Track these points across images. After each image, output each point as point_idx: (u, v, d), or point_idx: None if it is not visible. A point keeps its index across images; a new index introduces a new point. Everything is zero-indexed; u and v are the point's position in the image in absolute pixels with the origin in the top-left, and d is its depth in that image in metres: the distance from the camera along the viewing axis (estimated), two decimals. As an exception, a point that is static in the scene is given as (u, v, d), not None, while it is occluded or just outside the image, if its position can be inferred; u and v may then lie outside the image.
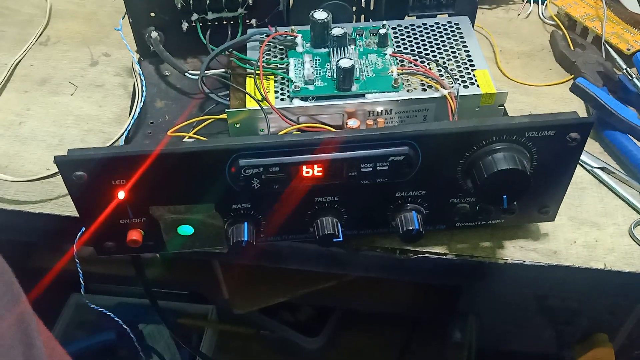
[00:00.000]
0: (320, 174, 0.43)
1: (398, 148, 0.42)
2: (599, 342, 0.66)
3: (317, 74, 0.53)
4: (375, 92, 0.52)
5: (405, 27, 0.59)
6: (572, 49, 0.67)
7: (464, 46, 0.57)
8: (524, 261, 0.50)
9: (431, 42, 0.57)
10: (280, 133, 0.50)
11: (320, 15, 0.54)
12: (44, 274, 0.48)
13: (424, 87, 0.53)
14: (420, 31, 0.58)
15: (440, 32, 0.58)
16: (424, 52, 0.56)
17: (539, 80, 0.66)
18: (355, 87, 0.52)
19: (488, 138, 0.42)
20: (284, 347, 0.94)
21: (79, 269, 0.50)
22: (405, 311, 0.89)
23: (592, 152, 0.58)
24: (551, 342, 0.73)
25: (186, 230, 0.46)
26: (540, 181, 0.46)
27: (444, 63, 0.55)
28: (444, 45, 0.57)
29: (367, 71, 0.54)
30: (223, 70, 0.57)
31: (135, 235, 0.45)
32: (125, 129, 0.55)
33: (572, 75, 0.66)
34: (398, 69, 0.53)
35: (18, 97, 0.64)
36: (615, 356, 0.66)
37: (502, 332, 0.80)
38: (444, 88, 0.52)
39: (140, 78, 0.59)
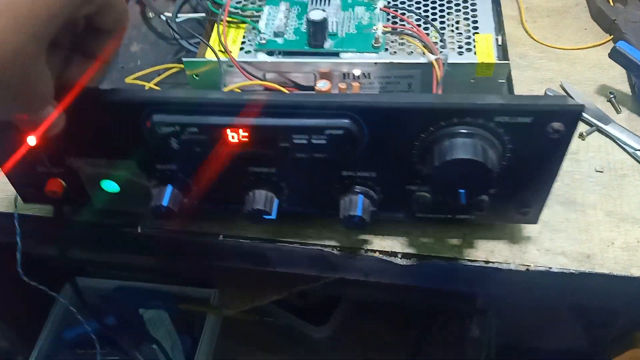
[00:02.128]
0: (246, 140, 0.37)
1: (337, 120, 0.35)
2: (639, 342, 0.57)
3: (291, 25, 0.47)
4: (351, 52, 0.45)
5: (412, -22, 0.51)
6: (612, 4, 0.57)
7: (472, 4, 0.48)
8: (550, 268, 0.42)
9: (433, -3, 0.49)
10: (226, 89, 0.44)
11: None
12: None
13: (410, 51, 0.45)
14: (427, -16, 0.50)
15: (450, -14, 0.50)
16: (423, 8, 0.48)
17: (571, 42, 0.57)
18: (328, 44, 0.45)
19: (448, 119, 0.35)
20: (291, 334, 0.88)
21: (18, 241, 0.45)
22: (420, 301, 0.81)
23: (634, 131, 0.48)
24: (581, 341, 0.64)
25: (111, 186, 0.42)
26: (517, 176, 0.38)
27: (444, 22, 0.47)
28: (448, 2, 0.48)
29: (349, 26, 0.46)
30: (202, 14, 0.52)
31: (54, 185, 0.41)
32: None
33: (611, 36, 0.56)
34: (384, 27, 0.46)
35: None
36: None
37: (525, 329, 0.72)
38: (432, 53, 0.44)
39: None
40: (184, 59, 0.46)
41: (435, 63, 0.43)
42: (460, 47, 0.45)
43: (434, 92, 0.43)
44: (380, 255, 0.43)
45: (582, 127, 0.50)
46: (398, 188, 0.40)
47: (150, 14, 0.57)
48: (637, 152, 0.47)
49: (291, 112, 0.35)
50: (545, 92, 0.52)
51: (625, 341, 0.61)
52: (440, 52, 0.44)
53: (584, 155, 0.48)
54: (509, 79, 0.48)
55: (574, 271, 0.42)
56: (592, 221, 0.44)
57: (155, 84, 0.49)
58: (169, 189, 0.40)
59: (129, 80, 0.49)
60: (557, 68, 0.55)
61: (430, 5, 0.48)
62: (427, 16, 0.47)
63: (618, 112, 0.51)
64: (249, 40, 0.47)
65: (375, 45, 0.45)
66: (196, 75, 0.47)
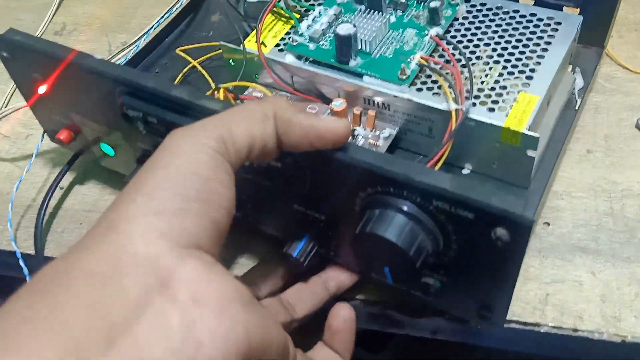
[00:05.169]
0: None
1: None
2: None
3: (331, 33, 0.43)
4: (375, 77, 0.40)
5: (489, 9, 0.44)
6: None
7: (538, 56, 0.40)
8: None
9: (501, 37, 0.42)
10: (227, 84, 0.43)
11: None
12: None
13: (437, 92, 0.39)
14: (502, 19, 0.43)
15: (526, 28, 0.42)
16: (481, 46, 0.41)
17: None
18: (354, 63, 0.41)
19: (383, 184, 0.30)
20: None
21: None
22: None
23: None
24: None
25: (108, 149, 0.44)
26: (465, 273, 0.31)
27: (492, 69, 0.40)
28: (514, 47, 0.41)
29: (388, 48, 0.42)
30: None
31: (63, 134, 0.44)
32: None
33: None
34: (422, 58, 0.40)
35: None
36: None
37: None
38: (456, 102, 0.37)
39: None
40: (221, 43, 0.45)
41: (454, 113, 0.37)
42: (494, 102, 0.38)
43: (443, 143, 0.37)
44: (449, 319, 0.39)
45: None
46: (349, 239, 0.36)
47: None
48: None
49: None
50: (637, 122, 0.46)
51: None
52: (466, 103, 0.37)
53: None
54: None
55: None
56: None
57: (203, 60, 0.49)
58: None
59: (178, 51, 0.50)
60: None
61: (491, 47, 0.41)
62: (479, 57, 0.41)
63: None
64: (288, 38, 0.45)
65: (401, 77, 0.39)
66: (232, 61, 0.46)
